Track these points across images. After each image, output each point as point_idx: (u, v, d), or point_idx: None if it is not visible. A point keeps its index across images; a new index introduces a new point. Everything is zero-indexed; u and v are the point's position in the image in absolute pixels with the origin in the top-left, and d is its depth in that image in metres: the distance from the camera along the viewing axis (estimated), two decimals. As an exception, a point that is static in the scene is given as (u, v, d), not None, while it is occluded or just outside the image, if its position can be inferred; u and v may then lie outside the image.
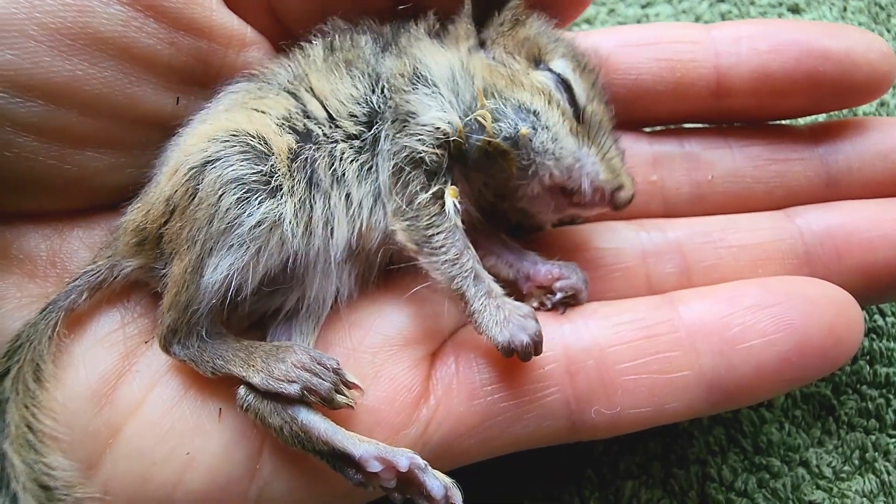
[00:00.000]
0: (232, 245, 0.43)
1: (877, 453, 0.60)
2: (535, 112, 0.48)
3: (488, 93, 0.48)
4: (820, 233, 0.53)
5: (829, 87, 0.53)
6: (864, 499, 0.58)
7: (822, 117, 0.66)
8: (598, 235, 0.55)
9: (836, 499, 0.58)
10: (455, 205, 0.47)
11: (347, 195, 0.47)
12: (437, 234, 0.46)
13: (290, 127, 0.47)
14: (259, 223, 0.44)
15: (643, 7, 0.81)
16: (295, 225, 0.45)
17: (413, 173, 0.47)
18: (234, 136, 0.45)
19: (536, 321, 0.45)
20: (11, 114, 0.43)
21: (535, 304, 0.51)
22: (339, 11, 0.51)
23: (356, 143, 0.48)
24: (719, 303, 0.49)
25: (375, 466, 0.42)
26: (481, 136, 0.47)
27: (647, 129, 0.60)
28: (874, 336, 0.64)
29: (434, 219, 0.46)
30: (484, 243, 0.53)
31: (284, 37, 0.52)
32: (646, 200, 0.57)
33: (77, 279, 0.47)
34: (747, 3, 0.79)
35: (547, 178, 0.48)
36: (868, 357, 0.63)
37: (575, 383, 0.47)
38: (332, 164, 0.47)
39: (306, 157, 0.46)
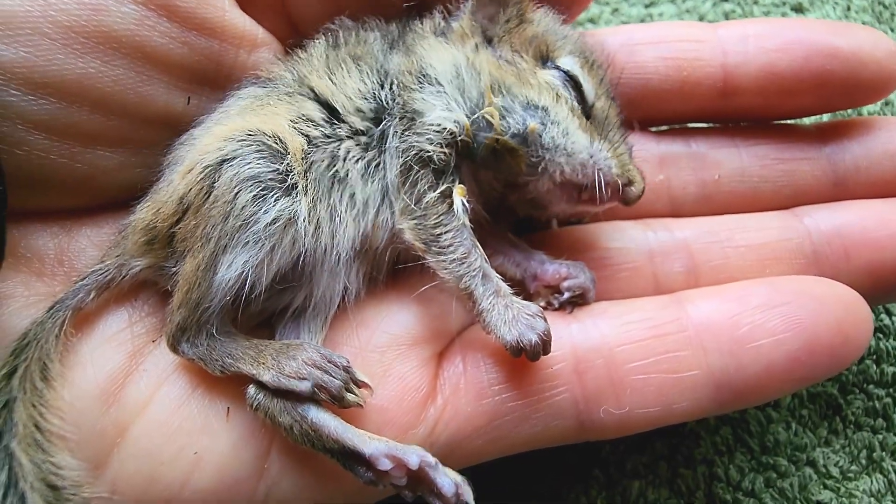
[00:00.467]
0: (247, 242, 0.43)
1: (884, 453, 0.60)
2: (543, 108, 0.48)
3: (496, 89, 0.48)
4: (828, 232, 0.53)
5: (836, 85, 0.53)
6: (872, 498, 0.58)
7: (827, 117, 0.66)
8: (605, 235, 0.55)
9: (844, 498, 0.58)
10: (463, 204, 0.47)
11: (352, 195, 0.47)
12: (445, 233, 0.46)
13: (297, 129, 0.47)
14: (274, 220, 0.44)
15: (647, 6, 0.81)
16: (308, 223, 0.45)
17: (421, 172, 0.47)
18: (250, 135, 0.45)
19: (545, 320, 0.45)
20: (23, 111, 0.43)
21: (543, 304, 0.51)
22: (352, 10, 0.51)
23: (363, 139, 0.48)
24: (728, 302, 0.49)
25: (386, 464, 0.42)
26: (489, 134, 0.47)
27: (654, 129, 0.60)
28: (881, 335, 0.64)
29: (442, 218, 0.46)
30: (491, 242, 0.53)
31: (295, 37, 0.52)
32: (652, 200, 0.57)
33: (85, 278, 0.47)
34: (751, 2, 0.79)
35: (558, 175, 0.48)
36: (875, 356, 0.63)
37: (583, 383, 0.47)
38: (335, 165, 0.47)
39: (312, 158, 0.46)
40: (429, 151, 0.46)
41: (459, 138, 0.47)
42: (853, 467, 0.60)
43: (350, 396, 0.44)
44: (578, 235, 0.56)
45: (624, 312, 0.50)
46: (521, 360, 0.46)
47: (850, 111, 0.69)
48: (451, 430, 0.47)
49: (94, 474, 0.43)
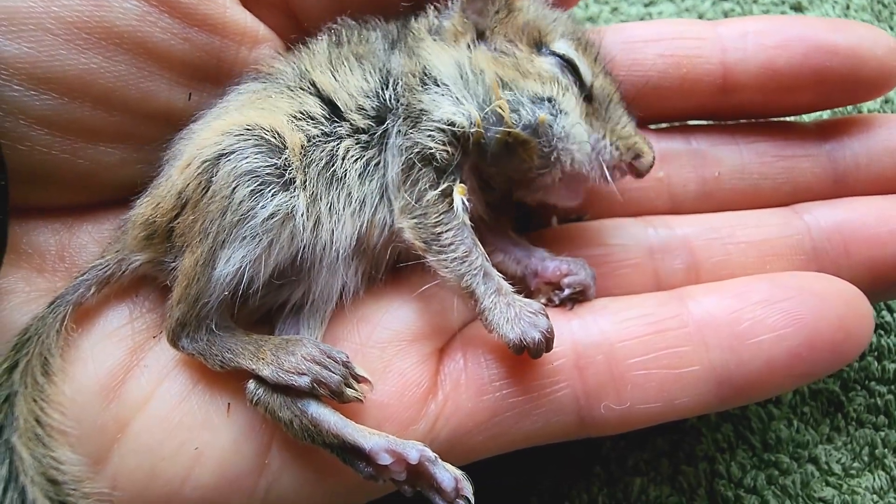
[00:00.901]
0: (245, 237, 0.43)
1: (886, 450, 0.60)
2: (549, 98, 0.48)
3: (501, 84, 0.48)
4: (828, 229, 0.53)
5: (836, 82, 0.53)
6: (875, 495, 0.58)
7: (826, 115, 0.66)
8: (605, 231, 0.55)
9: (847, 496, 0.58)
10: (464, 202, 0.47)
11: (348, 194, 0.47)
12: (446, 231, 0.46)
13: (297, 125, 0.47)
14: (272, 215, 0.44)
15: (646, 5, 0.81)
16: (306, 219, 0.45)
17: (423, 170, 0.47)
18: (248, 129, 0.45)
19: (547, 318, 0.45)
20: (26, 106, 0.43)
21: (544, 301, 0.51)
22: (355, 9, 0.51)
23: (363, 137, 0.48)
24: (728, 298, 0.49)
25: (386, 459, 0.42)
26: (500, 128, 0.47)
27: (654, 126, 0.60)
28: (882, 332, 0.64)
29: (443, 216, 0.46)
30: (492, 240, 0.53)
31: (296, 34, 0.52)
32: (652, 197, 0.57)
33: (85, 273, 0.47)
34: (750, 1, 0.79)
35: (569, 165, 0.48)
36: (876, 353, 0.63)
37: (584, 378, 0.47)
38: (333, 164, 0.47)
39: (311, 156, 0.47)
40: (431, 149, 0.46)
41: (472, 131, 0.47)
42: (855, 464, 0.60)
43: (349, 392, 0.43)
44: (579, 232, 0.56)
45: (624, 308, 0.49)
46: (523, 356, 0.46)
47: (849, 108, 0.69)
48: (451, 426, 0.46)
49: (94, 469, 0.43)
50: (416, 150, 0.47)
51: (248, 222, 0.43)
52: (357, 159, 0.48)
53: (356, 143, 0.48)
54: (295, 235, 0.45)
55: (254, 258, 0.44)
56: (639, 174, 0.51)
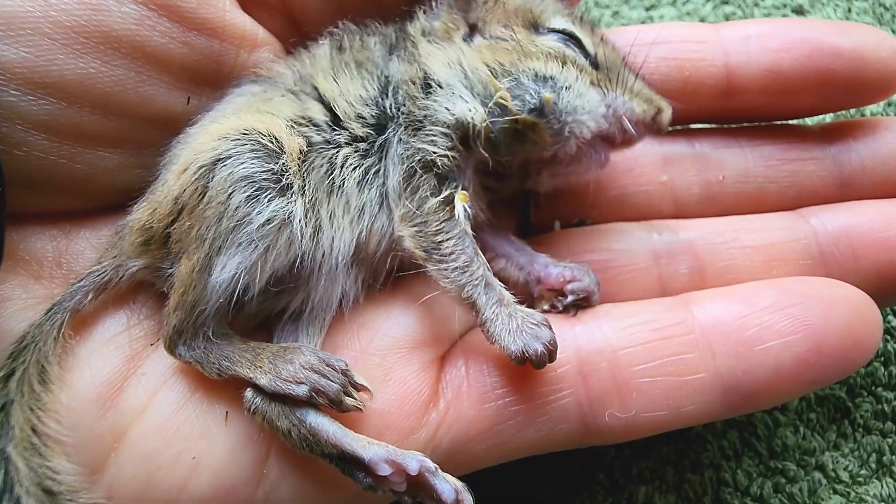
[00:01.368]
0: (241, 244, 0.43)
1: (894, 456, 0.59)
2: (551, 77, 0.47)
3: (498, 73, 0.47)
4: (835, 233, 0.52)
5: (840, 84, 0.53)
6: (883, 503, 0.57)
7: (828, 119, 0.66)
8: (609, 236, 0.55)
9: (854, 503, 0.57)
10: (465, 210, 0.46)
11: (347, 202, 0.47)
12: (447, 240, 0.45)
13: (297, 130, 0.47)
14: (268, 221, 0.43)
15: (647, 9, 0.81)
16: (304, 225, 0.45)
17: (424, 177, 0.46)
18: (244, 134, 0.44)
19: (550, 329, 0.45)
20: (23, 111, 0.43)
21: (547, 307, 0.51)
22: (355, 12, 0.51)
23: (362, 145, 0.48)
24: (735, 304, 0.48)
25: (385, 469, 0.41)
26: (506, 118, 0.46)
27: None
28: (888, 337, 0.63)
29: (444, 224, 0.45)
30: (494, 245, 0.52)
31: (296, 38, 0.52)
32: (656, 201, 0.57)
33: (82, 280, 0.46)
34: (751, 4, 0.79)
35: (586, 132, 0.48)
36: (883, 358, 0.62)
37: (588, 386, 0.46)
38: (332, 172, 0.46)
39: (311, 161, 0.46)
40: (433, 154, 0.46)
41: (481, 126, 0.46)
42: (863, 471, 0.59)
43: (348, 400, 0.43)
44: (582, 237, 0.55)
45: (628, 314, 0.49)
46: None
47: (853, 112, 0.68)
48: (453, 435, 0.46)
49: (90, 479, 0.43)
50: (418, 157, 0.46)
51: (244, 228, 0.43)
52: (355, 168, 0.47)
53: (355, 152, 0.47)
54: (293, 242, 0.45)
55: (250, 265, 0.43)
56: (659, 130, 0.51)
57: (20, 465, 0.42)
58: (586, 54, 0.50)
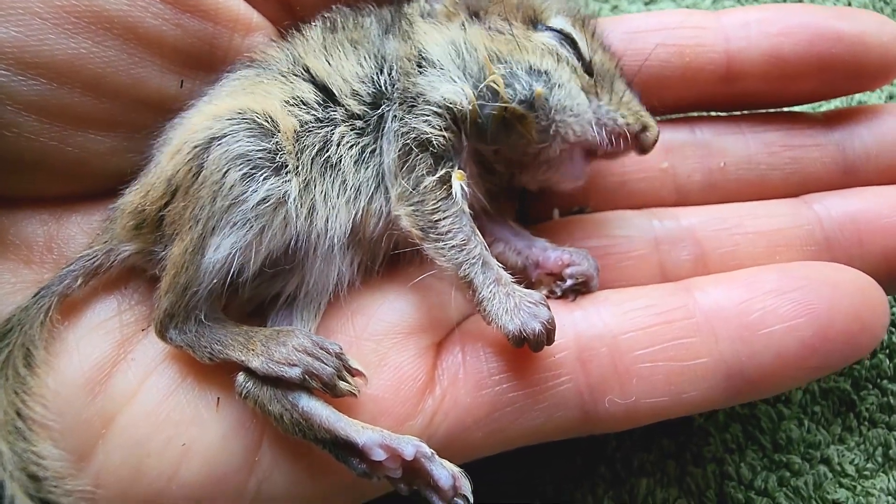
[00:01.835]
0: (235, 223, 0.42)
1: (901, 450, 0.58)
2: (546, 72, 0.47)
3: (494, 59, 0.47)
4: (840, 218, 0.51)
5: (840, 69, 0.52)
6: (890, 497, 0.56)
7: (831, 105, 0.65)
8: (609, 223, 0.54)
9: (861, 497, 0.56)
10: (462, 188, 0.46)
11: (343, 181, 0.46)
12: (444, 218, 0.44)
13: (290, 111, 0.46)
14: (264, 200, 0.42)
15: (646, 4, 0.80)
16: (299, 205, 0.44)
17: (420, 156, 0.46)
18: (239, 113, 0.44)
19: (548, 308, 0.44)
20: (13, 92, 0.42)
21: (545, 292, 0.50)
22: None
23: (358, 123, 0.47)
24: (737, 288, 0.47)
25: (380, 455, 0.40)
26: (496, 104, 0.46)
27: (658, 117, 0.59)
28: (893, 329, 0.62)
29: (440, 203, 0.45)
30: (492, 230, 0.52)
31: (290, 22, 0.51)
32: (657, 189, 0.56)
33: (72, 264, 0.46)
34: (751, 0, 0.79)
35: (571, 136, 0.47)
36: (888, 350, 0.61)
37: (587, 372, 0.45)
38: (328, 150, 0.46)
39: (303, 141, 0.46)
40: (427, 134, 0.45)
41: (469, 108, 0.46)
42: (869, 465, 0.58)
43: (342, 385, 0.42)
44: (581, 224, 0.54)
45: (628, 299, 0.48)
46: (523, 349, 0.44)
47: (854, 102, 0.67)
48: (449, 422, 0.45)
49: (77, 466, 0.42)
50: (413, 135, 0.46)
51: (239, 207, 0.42)
52: (352, 146, 0.47)
53: (351, 129, 0.47)
54: (288, 222, 0.44)
55: (244, 245, 0.42)
56: (643, 149, 0.50)
57: (3, 448, 0.41)
58: (580, 58, 0.49)
